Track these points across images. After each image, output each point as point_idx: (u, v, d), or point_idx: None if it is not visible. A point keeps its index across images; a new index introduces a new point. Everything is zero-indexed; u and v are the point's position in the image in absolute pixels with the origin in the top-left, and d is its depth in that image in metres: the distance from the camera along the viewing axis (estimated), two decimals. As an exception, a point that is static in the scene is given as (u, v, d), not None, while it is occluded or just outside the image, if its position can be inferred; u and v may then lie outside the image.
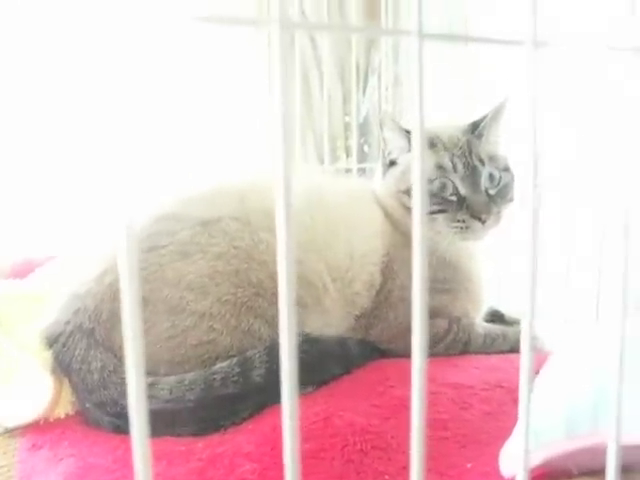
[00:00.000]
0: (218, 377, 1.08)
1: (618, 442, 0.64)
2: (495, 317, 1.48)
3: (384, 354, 1.28)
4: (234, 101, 1.92)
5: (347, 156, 1.98)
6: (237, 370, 1.08)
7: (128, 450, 1.03)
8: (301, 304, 1.19)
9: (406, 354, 1.29)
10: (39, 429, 1.10)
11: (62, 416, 1.13)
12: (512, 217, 1.37)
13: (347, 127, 1.98)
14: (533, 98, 0.52)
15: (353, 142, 1.90)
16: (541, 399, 0.91)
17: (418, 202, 0.48)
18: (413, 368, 0.51)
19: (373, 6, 1.87)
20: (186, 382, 1.07)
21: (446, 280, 1.33)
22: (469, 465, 0.96)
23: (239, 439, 1.00)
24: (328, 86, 1.90)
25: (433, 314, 1.31)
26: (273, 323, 1.16)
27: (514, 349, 1.34)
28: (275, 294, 1.19)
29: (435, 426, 1.03)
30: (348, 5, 1.89)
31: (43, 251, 1.54)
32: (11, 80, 1.76)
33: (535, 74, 0.51)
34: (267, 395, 1.09)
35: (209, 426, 1.06)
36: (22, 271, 1.46)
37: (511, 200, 1.34)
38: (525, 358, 0.57)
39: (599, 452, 0.81)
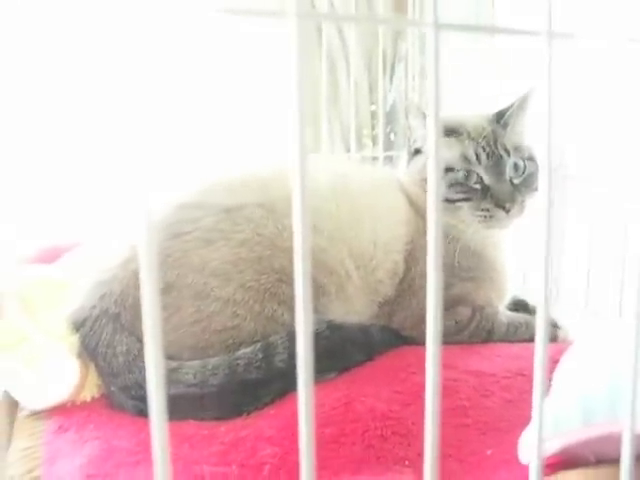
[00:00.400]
0: (241, 362, 1.09)
1: (633, 430, 0.64)
2: (519, 306, 1.47)
3: (407, 341, 1.29)
4: (256, 90, 1.92)
5: (373, 144, 1.98)
6: (260, 356, 1.09)
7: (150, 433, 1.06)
8: (324, 292, 1.20)
9: (426, 341, 1.31)
10: (65, 412, 1.12)
11: (88, 399, 1.15)
12: (537, 206, 1.36)
13: (374, 116, 1.98)
14: (550, 90, 0.52)
15: (379, 131, 1.89)
16: (560, 387, 0.91)
17: (433, 188, 0.48)
18: (427, 352, 0.52)
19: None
20: (210, 367, 1.09)
21: (470, 268, 1.33)
22: (489, 452, 0.97)
23: (261, 424, 1.01)
24: (355, 75, 1.89)
25: (457, 302, 1.31)
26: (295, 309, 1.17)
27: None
28: (298, 281, 1.20)
29: (456, 413, 1.04)
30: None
31: (70, 237, 1.56)
32: (33, 69, 1.78)
33: (552, 66, 0.51)
34: (289, 380, 1.09)
35: (232, 411, 1.07)
36: (49, 257, 1.49)
37: (536, 189, 1.33)
38: (540, 347, 0.57)
39: (616, 440, 0.82)
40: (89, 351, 1.14)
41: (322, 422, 0.99)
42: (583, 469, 0.84)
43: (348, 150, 1.92)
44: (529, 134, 1.38)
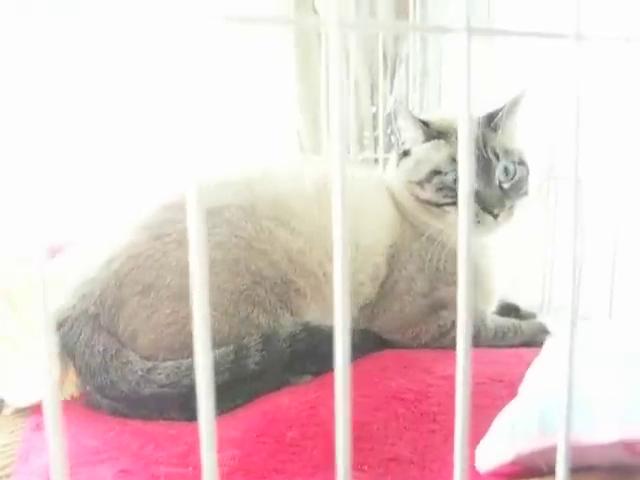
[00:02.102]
0: (213, 364, 1.09)
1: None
2: (510, 311, 1.45)
3: (389, 345, 1.28)
4: (242, 93, 1.92)
5: (374, 146, 1.97)
6: (232, 357, 1.10)
7: (121, 433, 1.07)
8: (300, 293, 1.20)
9: (410, 345, 1.30)
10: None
11: (67, 398, 1.17)
12: (528, 211, 1.34)
13: (374, 117, 1.97)
14: (576, 92, 0.52)
15: (380, 132, 1.88)
16: (520, 396, 0.90)
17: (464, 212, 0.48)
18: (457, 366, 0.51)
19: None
20: (183, 368, 1.09)
21: (455, 273, 1.30)
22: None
23: (228, 425, 1.01)
24: (355, 76, 1.89)
25: (441, 306, 1.30)
26: (271, 311, 1.17)
27: (526, 343, 1.32)
28: (274, 283, 1.20)
29: (425, 419, 1.03)
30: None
31: (64, 237, 1.58)
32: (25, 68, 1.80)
33: (577, 68, 0.51)
34: (262, 383, 1.11)
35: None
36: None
37: (525, 194, 1.31)
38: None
39: (574, 450, 0.80)
40: (67, 350, 1.15)
41: (286, 425, 0.99)
42: (536, 479, 0.82)
43: (348, 152, 1.91)
44: (521, 137, 1.36)
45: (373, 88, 1.95)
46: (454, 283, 1.29)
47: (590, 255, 1.40)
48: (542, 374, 0.91)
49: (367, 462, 0.94)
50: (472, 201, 0.50)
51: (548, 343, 1.00)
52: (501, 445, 0.83)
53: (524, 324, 1.35)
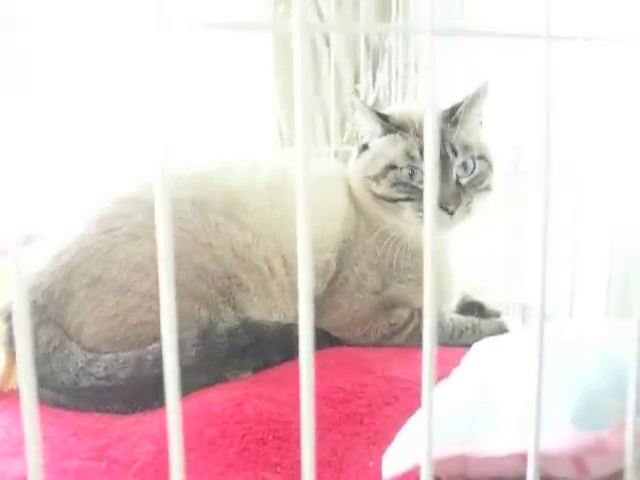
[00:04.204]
0: (150, 357, 1.10)
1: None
2: (474, 309, 1.42)
3: (339, 342, 1.26)
4: (223, 85, 1.92)
5: (357, 138, 1.94)
6: (168, 352, 1.10)
7: (50, 425, 1.07)
8: (243, 288, 1.19)
9: (360, 343, 1.28)
10: (-9, 399, 1.15)
11: (15, 387, 1.18)
12: (493, 207, 1.31)
13: (357, 108, 1.94)
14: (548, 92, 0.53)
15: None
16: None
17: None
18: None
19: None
20: (120, 361, 1.10)
21: (409, 270, 1.29)
22: (371, 463, 0.94)
23: (151, 420, 1.01)
24: (337, 68, 1.86)
25: (393, 304, 1.28)
26: (212, 306, 1.16)
27: (485, 342, 1.29)
28: (217, 277, 1.19)
29: (351, 421, 1.01)
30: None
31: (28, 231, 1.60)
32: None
33: (548, 67, 0.53)
34: (196, 378, 1.10)
35: (137, 405, 1.08)
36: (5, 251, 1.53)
37: (487, 189, 1.28)
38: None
39: (470, 461, 0.78)
40: (14, 341, 1.17)
41: (207, 422, 0.99)
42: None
43: (329, 143, 1.89)
44: (486, 131, 1.32)
45: (356, 79, 1.92)
46: (407, 280, 1.28)
47: (554, 253, 1.36)
48: (453, 381, 0.89)
49: (282, 463, 0.93)
50: (436, 202, 0.51)
51: (474, 347, 0.97)
52: (402, 452, 0.82)
53: (484, 323, 1.32)
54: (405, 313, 1.28)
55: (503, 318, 1.37)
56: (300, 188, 0.49)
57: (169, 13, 0.42)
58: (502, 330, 1.30)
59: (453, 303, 1.37)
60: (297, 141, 0.49)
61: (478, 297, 1.44)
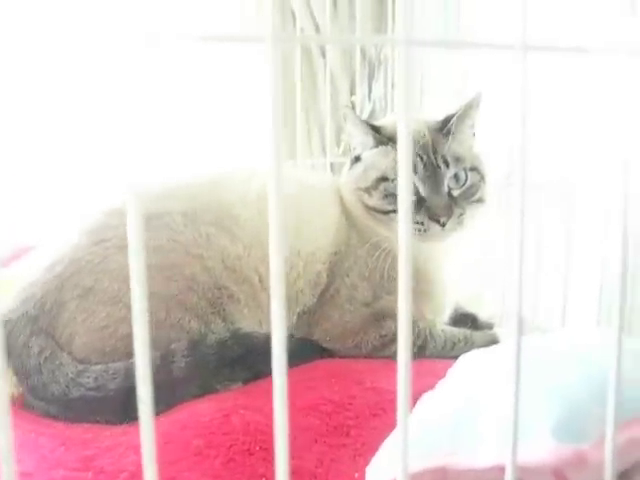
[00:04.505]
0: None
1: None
2: (467, 320, 1.42)
3: (330, 354, 1.26)
4: (219, 96, 1.93)
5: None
6: (158, 363, 1.10)
7: (40, 434, 1.08)
8: (233, 300, 1.19)
9: (351, 355, 1.28)
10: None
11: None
12: (487, 218, 1.32)
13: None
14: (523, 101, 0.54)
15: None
16: (415, 414, 0.88)
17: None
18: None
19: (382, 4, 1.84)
20: (110, 372, 1.10)
21: (400, 281, 1.29)
22: (357, 475, 0.94)
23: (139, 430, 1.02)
24: (333, 79, 1.87)
25: (384, 316, 1.28)
26: (202, 317, 1.17)
27: (477, 354, 1.29)
28: (207, 288, 1.20)
29: (338, 432, 1.01)
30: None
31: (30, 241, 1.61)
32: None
33: (523, 77, 0.54)
34: (186, 389, 1.11)
35: (126, 416, 1.08)
36: (7, 260, 1.54)
37: (479, 201, 1.28)
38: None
39: (452, 474, 0.78)
40: (7, 351, 1.17)
41: (195, 433, 0.99)
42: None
43: (325, 154, 1.89)
44: (479, 143, 1.33)
45: (352, 89, 1.93)
46: (398, 292, 1.28)
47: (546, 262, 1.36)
48: (437, 393, 0.89)
49: (268, 474, 0.93)
50: (410, 211, 0.52)
51: (460, 359, 0.97)
52: (384, 465, 0.82)
53: (476, 335, 1.32)
54: (396, 325, 1.28)
55: (496, 330, 1.36)
56: (273, 200, 0.49)
57: (158, 26, 0.43)
58: (495, 342, 1.30)
59: (445, 314, 1.37)
60: (269, 155, 0.50)
61: (471, 309, 1.44)
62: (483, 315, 1.44)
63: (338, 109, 1.87)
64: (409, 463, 0.81)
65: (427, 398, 0.89)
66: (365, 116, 1.91)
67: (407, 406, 0.59)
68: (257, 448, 0.96)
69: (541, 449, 0.71)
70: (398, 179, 0.49)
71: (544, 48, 0.58)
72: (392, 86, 1.86)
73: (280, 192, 0.51)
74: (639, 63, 0.58)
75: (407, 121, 0.52)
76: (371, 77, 1.91)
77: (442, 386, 0.91)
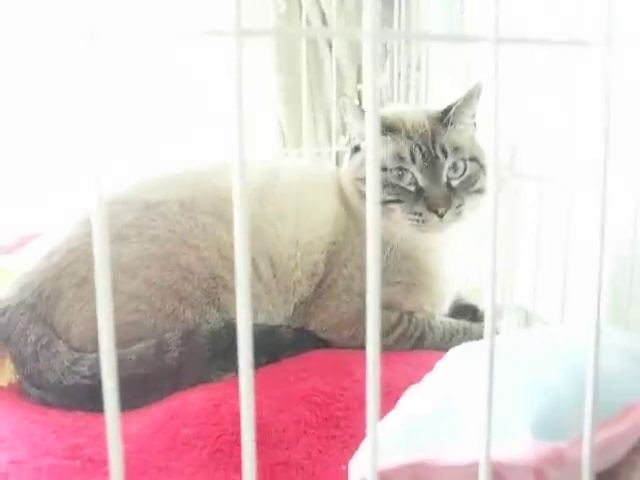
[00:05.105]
0: (133, 357, 1.10)
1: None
2: (468, 312, 1.41)
3: (327, 344, 1.26)
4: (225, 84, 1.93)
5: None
6: (152, 352, 1.10)
7: (33, 422, 1.09)
8: (227, 289, 1.19)
9: (348, 345, 1.28)
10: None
11: (5, 385, 1.20)
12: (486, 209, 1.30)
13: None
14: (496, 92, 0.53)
15: (364, 124, 1.86)
16: (399, 407, 0.87)
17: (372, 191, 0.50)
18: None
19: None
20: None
21: (399, 272, 1.28)
22: (344, 467, 0.94)
23: (131, 419, 1.02)
24: (340, 69, 1.86)
25: (382, 306, 1.27)
26: (197, 307, 1.17)
27: (477, 345, 1.28)
28: (203, 278, 1.20)
29: (327, 424, 1.01)
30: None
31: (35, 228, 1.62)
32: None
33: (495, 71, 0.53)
34: (180, 379, 1.11)
35: (121, 404, 1.08)
36: (12, 247, 1.56)
37: (479, 192, 1.27)
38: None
39: (432, 469, 0.78)
40: (4, 339, 1.18)
41: (184, 423, 0.99)
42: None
43: (331, 143, 1.88)
44: (480, 133, 1.31)
45: (359, 79, 1.92)
46: (397, 283, 1.28)
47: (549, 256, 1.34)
48: (422, 386, 0.88)
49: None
50: (378, 189, 0.51)
51: (449, 352, 0.96)
52: (365, 458, 0.81)
53: (475, 326, 1.31)
54: (393, 316, 1.27)
55: (496, 322, 1.35)
56: (237, 191, 0.49)
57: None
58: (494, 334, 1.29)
59: (445, 306, 1.36)
60: (235, 149, 0.49)
61: (472, 300, 1.43)
62: (483, 306, 1.43)
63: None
64: (386, 459, 0.81)
65: (412, 391, 0.88)
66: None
67: (377, 404, 0.58)
68: (245, 439, 0.96)
69: (520, 446, 0.70)
70: (367, 153, 0.49)
71: (517, 40, 0.57)
72: (398, 76, 1.84)
73: (244, 183, 0.50)
74: (616, 55, 0.57)
75: (375, 111, 0.51)
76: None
77: (428, 379, 0.91)
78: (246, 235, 0.50)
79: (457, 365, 0.90)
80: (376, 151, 0.51)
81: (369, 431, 0.60)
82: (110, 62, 1.80)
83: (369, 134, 0.50)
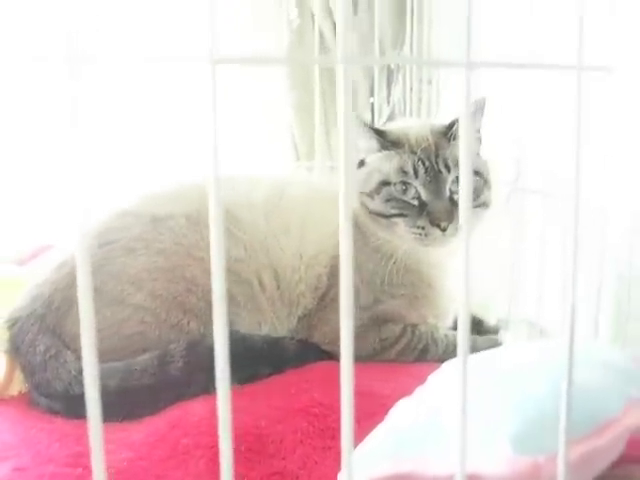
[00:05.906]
0: (138, 368, 1.13)
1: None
2: (473, 325, 1.41)
3: (330, 356, 1.28)
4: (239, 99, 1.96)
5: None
6: (155, 363, 1.13)
7: (40, 430, 1.12)
8: (233, 302, 1.21)
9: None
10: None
11: (15, 394, 1.23)
12: (494, 223, 1.31)
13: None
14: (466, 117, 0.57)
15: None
16: (388, 418, 0.88)
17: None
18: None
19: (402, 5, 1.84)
20: (111, 370, 1.14)
21: (402, 285, 1.29)
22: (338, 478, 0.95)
23: (134, 428, 1.05)
24: (353, 82, 1.87)
25: (385, 319, 1.29)
26: (202, 318, 1.19)
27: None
28: (207, 290, 1.23)
29: (324, 435, 1.03)
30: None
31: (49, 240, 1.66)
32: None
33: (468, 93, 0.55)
34: (183, 390, 1.13)
35: (124, 415, 1.11)
36: (26, 259, 1.60)
37: (482, 206, 1.28)
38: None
39: (420, 479, 0.79)
40: (14, 349, 1.22)
41: (184, 432, 1.01)
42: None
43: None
44: (485, 147, 1.32)
45: (372, 92, 1.93)
46: (400, 296, 1.29)
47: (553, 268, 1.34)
48: (413, 399, 0.89)
49: (250, 475, 0.95)
50: (350, 191, 0.55)
51: (444, 365, 0.97)
52: (357, 468, 0.83)
53: (480, 340, 1.32)
54: (397, 329, 1.29)
55: (501, 335, 1.36)
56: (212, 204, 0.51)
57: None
58: (497, 346, 1.29)
59: (450, 319, 1.36)
60: (210, 165, 0.51)
61: (478, 313, 1.44)
62: (491, 320, 1.44)
63: (357, 112, 1.89)
64: (374, 469, 0.82)
65: (402, 404, 0.90)
66: (384, 119, 1.91)
67: (351, 420, 0.60)
68: (243, 449, 0.98)
69: (499, 459, 0.71)
70: (340, 155, 0.51)
71: (490, 64, 0.59)
72: (410, 90, 1.85)
73: (219, 197, 0.52)
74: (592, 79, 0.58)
75: (347, 130, 0.53)
76: (390, 80, 1.91)
77: (419, 391, 0.92)
78: (222, 248, 0.52)
79: (448, 377, 0.91)
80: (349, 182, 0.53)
81: (343, 442, 0.61)
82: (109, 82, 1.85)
83: (341, 151, 0.52)
